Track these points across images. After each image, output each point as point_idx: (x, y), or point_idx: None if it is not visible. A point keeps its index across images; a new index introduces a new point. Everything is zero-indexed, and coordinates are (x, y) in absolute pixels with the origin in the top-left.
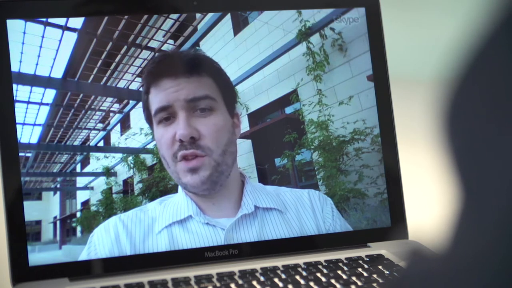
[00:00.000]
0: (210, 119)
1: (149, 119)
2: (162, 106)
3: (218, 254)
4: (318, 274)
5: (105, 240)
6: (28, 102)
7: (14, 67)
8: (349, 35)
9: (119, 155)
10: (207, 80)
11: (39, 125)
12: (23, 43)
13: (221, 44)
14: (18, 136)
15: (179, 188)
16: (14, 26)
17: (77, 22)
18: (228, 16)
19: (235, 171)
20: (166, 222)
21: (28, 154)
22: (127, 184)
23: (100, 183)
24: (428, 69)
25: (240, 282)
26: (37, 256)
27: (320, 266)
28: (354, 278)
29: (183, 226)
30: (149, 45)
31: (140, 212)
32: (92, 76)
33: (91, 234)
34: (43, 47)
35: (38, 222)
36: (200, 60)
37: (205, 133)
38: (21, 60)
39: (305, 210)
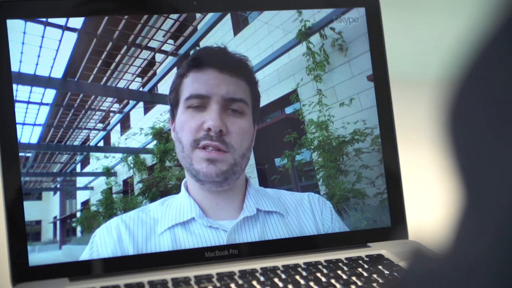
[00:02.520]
0: (239, 121)
1: (174, 100)
2: (200, 94)
3: (218, 254)
4: (318, 274)
5: (107, 241)
6: (28, 102)
7: (14, 67)
8: (349, 35)
9: (119, 155)
10: (245, 86)
11: (39, 125)
12: (23, 43)
13: (221, 44)
14: (18, 136)
15: (182, 188)
16: (14, 26)
17: (77, 22)
18: (228, 16)
19: (243, 175)
20: (168, 224)
21: (28, 154)
22: (127, 184)
23: (100, 183)
24: (428, 69)
25: (240, 282)
26: (37, 256)
27: (320, 266)
28: (354, 278)
29: (185, 228)
30: (149, 45)
31: (142, 213)
32: (92, 76)
33: (93, 235)
34: (43, 47)
35: (38, 222)
36: (245, 66)
37: (232, 131)
38: (21, 60)
39: (305, 213)
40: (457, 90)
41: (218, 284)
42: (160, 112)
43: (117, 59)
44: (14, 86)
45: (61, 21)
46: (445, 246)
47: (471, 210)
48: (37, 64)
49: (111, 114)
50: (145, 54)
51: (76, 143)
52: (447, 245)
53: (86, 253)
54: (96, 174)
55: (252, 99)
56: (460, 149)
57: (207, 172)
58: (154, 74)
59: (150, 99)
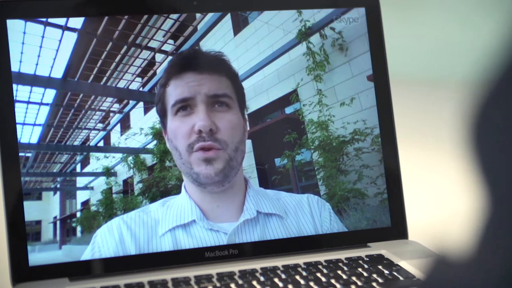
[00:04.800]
0: (227, 115)
1: (162, 111)
2: (184, 97)
3: (218, 254)
4: (318, 274)
5: (109, 241)
6: (28, 102)
7: (14, 67)
8: (349, 35)
9: (119, 155)
10: (226, 81)
11: (39, 125)
12: (23, 43)
13: (221, 44)
14: (18, 136)
15: (182, 189)
16: (14, 26)
17: (77, 22)
18: (228, 16)
19: (241, 172)
20: (169, 225)
21: (28, 154)
22: (127, 184)
23: (100, 183)
24: (428, 69)
25: (240, 282)
26: (37, 256)
27: (320, 266)
28: (354, 278)
29: (186, 231)
30: (149, 45)
31: (143, 213)
32: (92, 76)
33: (94, 235)
34: (43, 47)
35: (38, 222)
36: (221, 61)
37: (222, 127)
38: (21, 60)
39: (304, 215)
40: (483, 94)
41: (218, 284)
42: None
43: (117, 59)
44: (14, 86)
45: (61, 21)
46: (467, 254)
47: (494, 217)
48: (37, 64)
49: (111, 114)
50: (145, 54)
51: (76, 143)
52: (470, 253)
53: (87, 253)
54: (96, 174)
55: (236, 92)
56: (486, 155)
57: (206, 173)
58: (154, 74)
59: (150, 99)
